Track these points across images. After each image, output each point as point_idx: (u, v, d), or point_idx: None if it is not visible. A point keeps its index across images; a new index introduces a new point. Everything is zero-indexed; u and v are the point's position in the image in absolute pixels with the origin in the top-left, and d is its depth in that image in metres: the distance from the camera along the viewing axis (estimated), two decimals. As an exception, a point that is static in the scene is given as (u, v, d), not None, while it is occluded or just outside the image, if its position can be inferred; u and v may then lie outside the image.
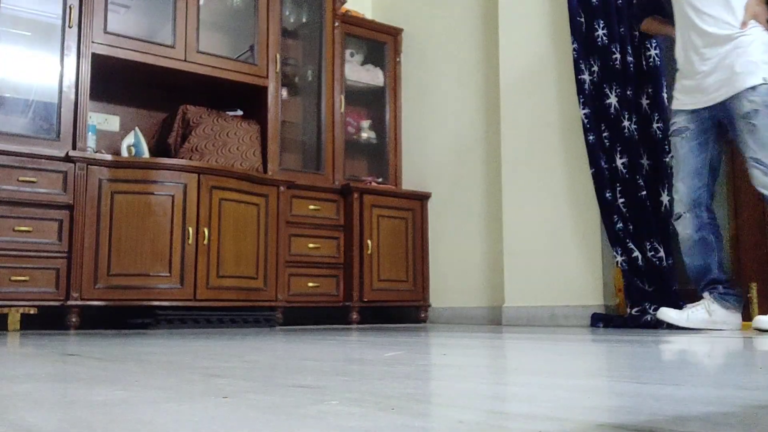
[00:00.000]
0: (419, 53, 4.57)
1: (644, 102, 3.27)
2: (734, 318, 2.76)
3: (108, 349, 1.75)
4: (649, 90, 3.23)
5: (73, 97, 3.35)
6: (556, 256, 3.56)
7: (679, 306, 2.91)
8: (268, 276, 3.70)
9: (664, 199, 3.15)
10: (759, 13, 2.71)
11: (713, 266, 2.78)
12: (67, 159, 3.22)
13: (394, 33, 4.64)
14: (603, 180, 3.24)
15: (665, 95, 3.20)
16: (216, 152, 3.72)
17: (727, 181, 3.25)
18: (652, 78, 3.22)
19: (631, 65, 3.27)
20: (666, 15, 2.96)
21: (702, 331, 2.68)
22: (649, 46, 3.24)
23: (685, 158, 2.84)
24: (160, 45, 3.62)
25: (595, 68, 3.30)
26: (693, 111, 2.79)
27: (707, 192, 2.83)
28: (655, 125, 3.21)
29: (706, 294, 2.78)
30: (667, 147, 3.18)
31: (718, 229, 2.84)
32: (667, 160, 3.17)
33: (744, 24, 2.69)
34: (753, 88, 2.62)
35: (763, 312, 3.03)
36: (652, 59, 3.23)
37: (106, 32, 3.47)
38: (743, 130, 2.64)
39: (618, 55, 3.24)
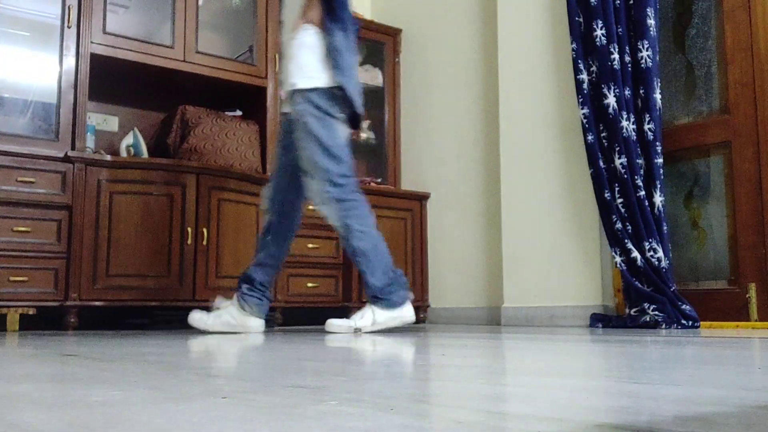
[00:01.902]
0: (418, 53, 4.57)
1: (639, 103, 3.27)
2: (252, 321, 2.80)
3: (107, 350, 1.74)
4: (641, 91, 3.24)
5: (71, 97, 3.35)
6: (555, 256, 3.56)
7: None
8: (267, 276, 3.69)
9: (657, 200, 3.15)
10: (311, 16, 2.70)
11: (252, 264, 2.82)
12: (66, 159, 3.22)
13: (393, 33, 4.64)
14: (602, 180, 3.24)
15: (657, 96, 3.21)
16: (215, 153, 3.72)
17: (724, 182, 3.26)
18: (644, 79, 3.23)
19: (629, 65, 3.28)
20: None
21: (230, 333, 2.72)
22: (641, 47, 3.24)
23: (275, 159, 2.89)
24: (159, 45, 3.62)
25: (594, 68, 3.31)
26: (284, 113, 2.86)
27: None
28: (646, 126, 3.21)
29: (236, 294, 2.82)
30: (658, 148, 3.19)
31: (281, 233, 2.82)
32: (658, 161, 3.18)
33: (296, 29, 2.71)
34: (295, 92, 2.65)
35: (762, 313, 3.04)
36: (644, 60, 3.23)
37: (105, 32, 3.47)
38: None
39: (616, 56, 3.25)
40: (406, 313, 2.72)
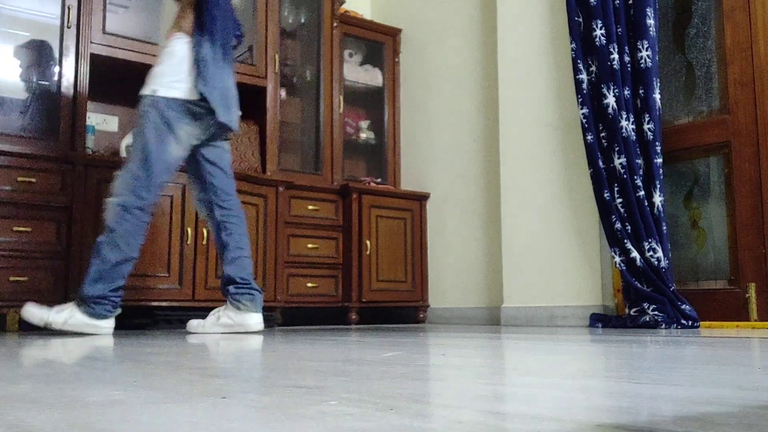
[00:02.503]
0: (418, 53, 4.57)
1: (638, 103, 3.27)
2: (251, 318, 2.81)
3: (106, 350, 1.74)
4: (641, 91, 3.24)
5: (71, 97, 3.35)
6: (554, 256, 3.56)
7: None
8: (266, 276, 3.70)
9: (657, 200, 3.15)
10: (183, 26, 2.72)
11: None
12: (66, 159, 3.22)
13: (393, 33, 4.64)
14: (601, 180, 3.24)
15: (657, 96, 3.21)
16: (215, 153, 3.72)
17: (724, 182, 3.26)
18: (643, 79, 3.23)
19: (629, 65, 3.28)
20: None
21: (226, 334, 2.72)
22: (640, 47, 3.24)
23: None
24: (159, 45, 3.62)
25: (593, 68, 3.31)
26: None
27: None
28: (646, 126, 3.21)
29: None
30: (658, 148, 3.19)
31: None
32: (658, 161, 3.18)
33: (168, 37, 2.74)
34: (143, 96, 2.70)
35: (762, 312, 3.04)
36: (643, 60, 3.23)
37: (104, 32, 3.47)
38: None
39: (616, 56, 3.25)
40: (104, 324, 2.66)
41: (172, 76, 2.66)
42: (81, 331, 2.62)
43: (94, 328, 2.63)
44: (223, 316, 2.83)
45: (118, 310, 2.72)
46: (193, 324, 2.86)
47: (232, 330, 2.80)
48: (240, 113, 2.94)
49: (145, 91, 2.70)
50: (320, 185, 4.06)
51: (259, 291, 2.88)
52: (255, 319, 2.83)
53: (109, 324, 2.67)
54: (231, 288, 2.82)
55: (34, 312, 2.64)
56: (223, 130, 2.83)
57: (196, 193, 2.91)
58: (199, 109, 2.69)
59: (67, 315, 2.62)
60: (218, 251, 2.91)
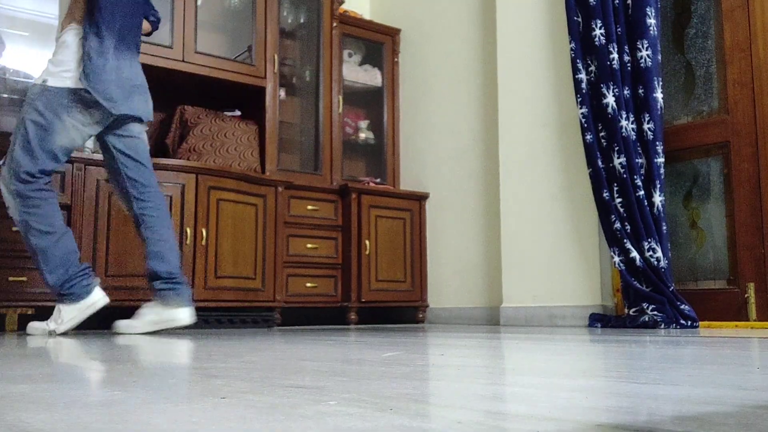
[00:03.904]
0: (417, 53, 4.57)
1: (638, 102, 3.27)
2: (180, 313, 2.76)
3: (105, 350, 1.74)
4: (640, 90, 3.24)
5: (70, 97, 3.34)
6: (554, 256, 3.56)
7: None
8: (266, 276, 3.70)
9: (657, 199, 3.15)
10: (75, 16, 2.71)
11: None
12: (65, 159, 3.22)
13: (392, 33, 4.64)
14: (600, 180, 3.24)
15: (658, 96, 3.21)
16: (214, 152, 3.72)
17: (723, 182, 3.26)
18: (643, 78, 3.23)
19: (628, 65, 3.28)
20: None
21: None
22: (640, 46, 3.24)
23: None
24: (158, 45, 3.62)
25: (593, 68, 3.31)
26: None
27: None
28: (646, 125, 3.21)
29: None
30: (659, 147, 3.19)
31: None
32: (658, 160, 3.18)
33: (62, 27, 2.74)
34: (33, 85, 2.69)
35: (761, 312, 3.04)
36: (643, 59, 3.23)
37: (103, 32, 3.47)
38: None
39: (615, 55, 3.25)
40: (95, 297, 2.67)
41: (62, 66, 2.65)
42: (82, 319, 2.63)
43: (88, 308, 2.64)
44: (150, 314, 2.76)
45: (96, 279, 2.72)
46: (122, 325, 2.78)
47: (162, 326, 2.75)
48: (151, 103, 2.86)
49: (36, 80, 2.69)
50: (319, 185, 4.06)
51: (184, 283, 2.81)
52: (184, 314, 2.77)
53: (97, 295, 2.67)
54: (156, 283, 2.77)
55: (36, 327, 2.67)
56: (128, 119, 2.78)
57: (114, 187, 2.87)
58: (91, 97, 2.65)
59: (60, 316, 2.63)
60: (142, 241, 2.85)
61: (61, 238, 2.64)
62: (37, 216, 2.61)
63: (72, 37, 2.68)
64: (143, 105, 2.82)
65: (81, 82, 2.62)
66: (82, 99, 2.65)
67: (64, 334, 2.64)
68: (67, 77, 2.64)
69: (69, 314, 2.64)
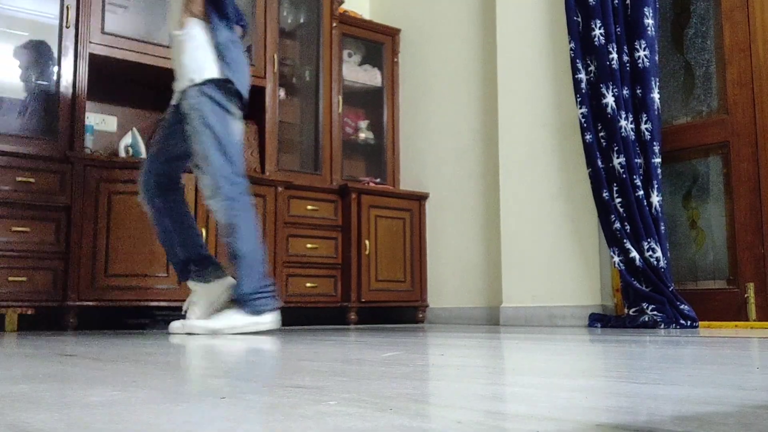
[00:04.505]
0: (417, 53, 4.57)
1: (637, 102, 3.27)
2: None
3: (105, 350, 1.74)
4: (638, 90, 3.24)
5: (70, 97, 3.35)
6: (553, 256, 3.56)
7: None
8: (265, 276, 3.69)
9: (655, 199, 3.15)
10: (194, 10, 2.69)
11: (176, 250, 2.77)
12: (65, 159, 3.22)
13: (392, 33, 4.64)
14: (600, 180, 3.24)
15: (655, 96, 3.21)
16: (214, 153, 3.71)
17: (723, 182, 3.26)
18: (641, 78, 3.23)
19: (628, 65, 3.28)
20: None
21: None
22: (638, 47, 3.24)
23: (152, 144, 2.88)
24: (158, 45, 3.62)
25: (592, 68, 3.31)
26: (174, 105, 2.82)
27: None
28: (643, 126, 3.21)
29: (190, 283, 2.76)
30: (656, 148, 3.19)
31: (177, 212, 2.79)
32: (656, 160, 3.18)
33: (182, 23, 2.70)
34: (191, 86, 2.65)
35: (761, 312, 3.04)
36: (641, 60, 3.23)
37: (103, 32, 3.47)
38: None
39: (614, 55, 3.25)
40: (266, 319, 2.66)
41: (202, 59, 2.64)
42: (245, 331, 2.61)
43: (257, 324, 2.63)
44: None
45: (278, 303, 2.71)
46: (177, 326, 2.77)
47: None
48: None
49: (184, 83, 2.66)
50: (319, 185, 4.06)
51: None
52: (269, 318, 2.76)
53: (270, 318, 2.66)
54: (191, 266, 2.77)
55: (199, 325, 2.63)
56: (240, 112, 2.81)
57: (156, 167, 2.79)
58: (232, 87, 2.66)
59: (230, 318, 2.62)
60: (168, 240, 2.83)
61: (259, 248, 2.65)
62: (244, 219, 2.61)
63: (198, 30, 2.66)
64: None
65: (221, 72, 2.62)
66: (229, 90, 2.65)
67: (57, 333, 2.63)
68: (209, 69, 2.63)
69: (239, 321, 2.61)
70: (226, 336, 2.53)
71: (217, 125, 2.61)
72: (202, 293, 2.75)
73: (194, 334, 2.60)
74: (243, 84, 2.69)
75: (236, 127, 2.69)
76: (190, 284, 2.77)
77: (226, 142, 2.61)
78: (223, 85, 2.64)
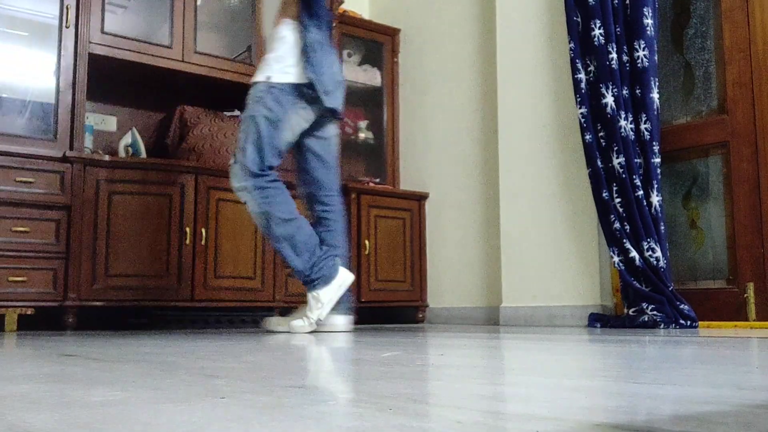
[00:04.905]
0: (416, 53, 4.57)
1: (636, 102, 3.27)
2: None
3: (105, 350, 1.74)
4: (638, 90, 3.24)
5: (70, 97, 3.34)
6: (553, 256, 3.56)
7: None
8: (265, 276, 3.70)
9: (654, 199, 3.15)
10: (289, 12, 2.73)
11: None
12: (65, 159, 3.22)
13: (392, 33, 4.64)
14: (600, 180, 3.24)
15: (654, 96, 3.21)
16: (213, 152, 3.72)
17: (723, 182, 3.26)
18: (640, 78, 3.23)
19: (628, 65, 3.28)
20: None
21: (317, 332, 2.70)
22: (637, 47, 3.24)
23: None
24: (158, 45, 3.62)
25: (592, 68, 3.31)
26: None
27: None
28: (643, 126, 3.21)
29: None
30: (655, 147, 3.19)
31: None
32: (655, 160, 3.18)
33: (277, 24, 2.75)
34: (256, 82, 2.71)
35: (760, 312, 3.04)
36: (640, 60, 3.24)
37: (103, 32, 3.47)
38: None
39: (614, 55, 3.25)
40: (343, 274, 2.71)
41: (285, 61, 2.68)
42: (337, 297, 2.68)
43: (340, 286, 2.69)
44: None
45: (338, 259, 2.75)
46: (274, 321, 2.84)
47: (321, 329, 2.77)
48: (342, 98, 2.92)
49: (259, 77, 2.71)
50: (319, 185, 4.06)
51: (348, 291, 2.84)
52: (342, 320, 2.81)
53: (344, 272, 2.72)
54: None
55: (298, 324, 2.67)
56: (331, 114, 2.83)
57: (299, 187, 2.91)
58: (311, 92, 2.69)
59: (318, 300, 2.66)
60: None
61: (302, 224, 2.69)
62: (277, 204, 2.65)
63: (289, 31, 2.70)
64: (342, 102, 2.86)
65: (305, 75, 2.65)
66: (304, 94, 2.68)
67: (58, 333, 2.63)
68: (290, 72, 2.67)
69: (326, 296, 2.66)
70: (280, 335, 2.58)
71: (265, 127, 2.66)
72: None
73: (280, 332, 2.66)
74: (326, 86, 2.72)
75: (289, 130, 2.70)
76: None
77: (266, 143, 2.65)
78: (299, 89, 2.68)
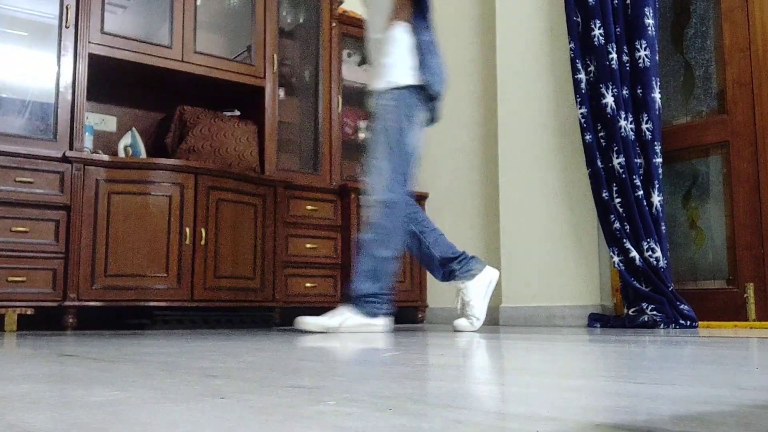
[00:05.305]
0: (416, 53, 4.57)
1: (637, 102, 3.27)
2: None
3: (105, 350, 1.74)
4: (639, 90, 3.24)
5: (69, 97, 3.34)
6: (553, 256, 3.56)
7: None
8: (265, 276, 3.70)
9: (655, 199, 3.15)
10: (401, 14, 2.72)
11: None
12: (64, 159, 3.22)
13: (392, 33, 4.63)
14: (600, 180, 3.24)
15: (656, 96, 3.21)
16: (213, 153, 3.72)
17: (723, 182, 3.26)
18: (641, 78, 3.23)
19: (627, 65, 3.28)
20: None
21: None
22: (638, 47, 3.24)
23: None
24: (158, 45, 3.62)
25: (592, 68, 3.31)
26: None
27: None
28: (644, 126, 3.21)
29: (457, 283, 2.86)
30: (657, 147, 3.19)
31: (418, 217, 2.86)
32: (657, 160, 3.18)
33: (388, 27, 2.74)
34: (380, 90, 2.70)
35: (760, 312, 3.04)
36: (641, 60, 3.24)
37: (103, 32, 3.47)
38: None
39: (614, 55, 3.25)
40: (380, 322, 2.70)
41: (403, 64, 2.67)
42: (357, 331, 2.63)
43: (368, 326, 2.65)
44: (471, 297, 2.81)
45: (391, 308, 2.72)
46: (463, 324, 2.85)
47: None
48: None
49: (380, 84, 2.70)
50: (319, 185, 4.06)
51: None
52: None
53: (383, 321, 2.68)
54: (453, 265, 2.81)
55: (308, 322, 2.66)
56: (432, 120, 2.85)
57: None
58: (426, 94, 2.70)
59: (341, 317, 2.64)
60: (413, 243, 2.87)
61: (395, 259, 2.70)
62: (392, 228, 2.65)
63: (401, 33, 2.70)
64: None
65: (420, 77, 2.64)
66: (421, 96, 2.68)
67: (59, 333, 2.63)
68: (410, 75, 2.66)
69: (349, 321, 2.64)
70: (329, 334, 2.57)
71: (395, 133, 2.65)
72: (471, 288, 2.80)
73: (310, 331, 2.64)
74: (439, 88, 2.73)
75: (416, 134, 2.72)
76: (458, 284, 2.84)
77: (398, 152, 2.65)
78: (419, 90, 2.67)
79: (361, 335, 2.52)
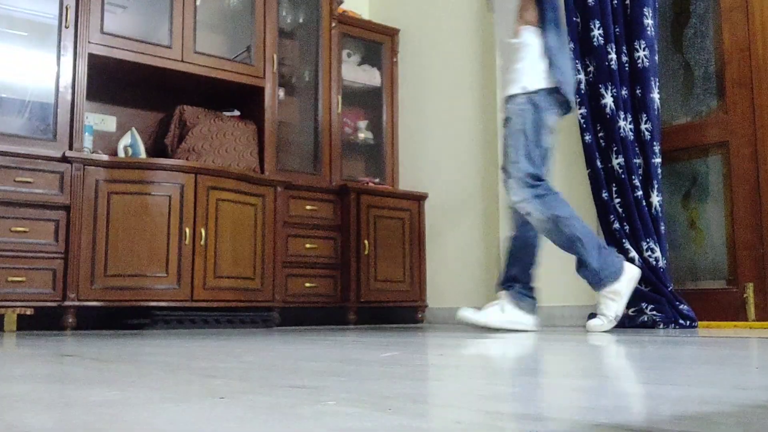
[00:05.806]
0: (416, 53, 4.57)
1: (636, 102, 3.27)
2: (527, 318, 2.81)
3: (105, 350, 1.74)
4: (638, 90, 3.24)
5: (69, 97, 3.34)
6: (552, 256, 3.55)
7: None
8: (265, 276, 3.70)
9: (655, 200, 3.15)
10: (528, 17, 2.74)
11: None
12: (64, 159, 3.22)
13: (391, 33, 4.64)
14: (599, 180, 3.24)
15: (655, 96, 3.21)
16: (213, 153, 3.72)
17: (722, 181, 3.26)
18: (641, 78, 3.23)
19: (627, 65, 3.28)
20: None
21: (500, 330, 2.74)
22: (638, 47, 3.24)
23: None
24: (157, 45, 3.62)
25: (591, 68, 3.31)
26: None
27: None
28: (643, 126, 3.21)
29: (504, 294, 2.86)
30: (656, 148, 3.19)
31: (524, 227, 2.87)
32: (656, 160, 3.18)
33: (516, 31, 2.76)
34: (515, 95, 2.72)
35: (760, 312, 3.04)
36: (640, 60, 3.24)
37: (102, 32, 3.47)
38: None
39: (614, 56, 3.25)
40: (630, 268, 2.74)
41: (536, 68, 2.69)
42: (631, 291, 2.71)
43: (630, 280, 2.71)
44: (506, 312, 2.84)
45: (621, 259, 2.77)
46: (467, 315, 2.88)
47: (510, 326, 2.79)
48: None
49: (515, 89, 2.72)
50: (318, 185, 4.06)
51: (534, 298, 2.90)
52: (529, 320, 2.84)
53: (630, 266, 2.75)
54: (518, 287, 2.85)
55: (595, 324, 2.71)
56: (568, 110, 2.86)
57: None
58: (560, 97, 2.73)
59: (618, 295, 2.69)
60: (513, 249, 2.90)
61: (584, 222, 2.72)
62: (559, 207, 2.68)
63: (532, 37, 2.72)
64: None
65: (553, 79, 2.67)
66: (552, 97, 2.71)
67: (60, 333, 2.63)
68: (542, 78, 2.69)
69: (624, 288, 2.68)
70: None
71: (531, 135, 2.69)
72: (507, 307, 2.84)
73: (596, 332, 2.66)
74: (570, 90, 2.75)
75: (548, 134, 2.75)
76: (503, 294, 2.87)
77: (536, 154, 2.69)
78: (552, 93, 2.70)
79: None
